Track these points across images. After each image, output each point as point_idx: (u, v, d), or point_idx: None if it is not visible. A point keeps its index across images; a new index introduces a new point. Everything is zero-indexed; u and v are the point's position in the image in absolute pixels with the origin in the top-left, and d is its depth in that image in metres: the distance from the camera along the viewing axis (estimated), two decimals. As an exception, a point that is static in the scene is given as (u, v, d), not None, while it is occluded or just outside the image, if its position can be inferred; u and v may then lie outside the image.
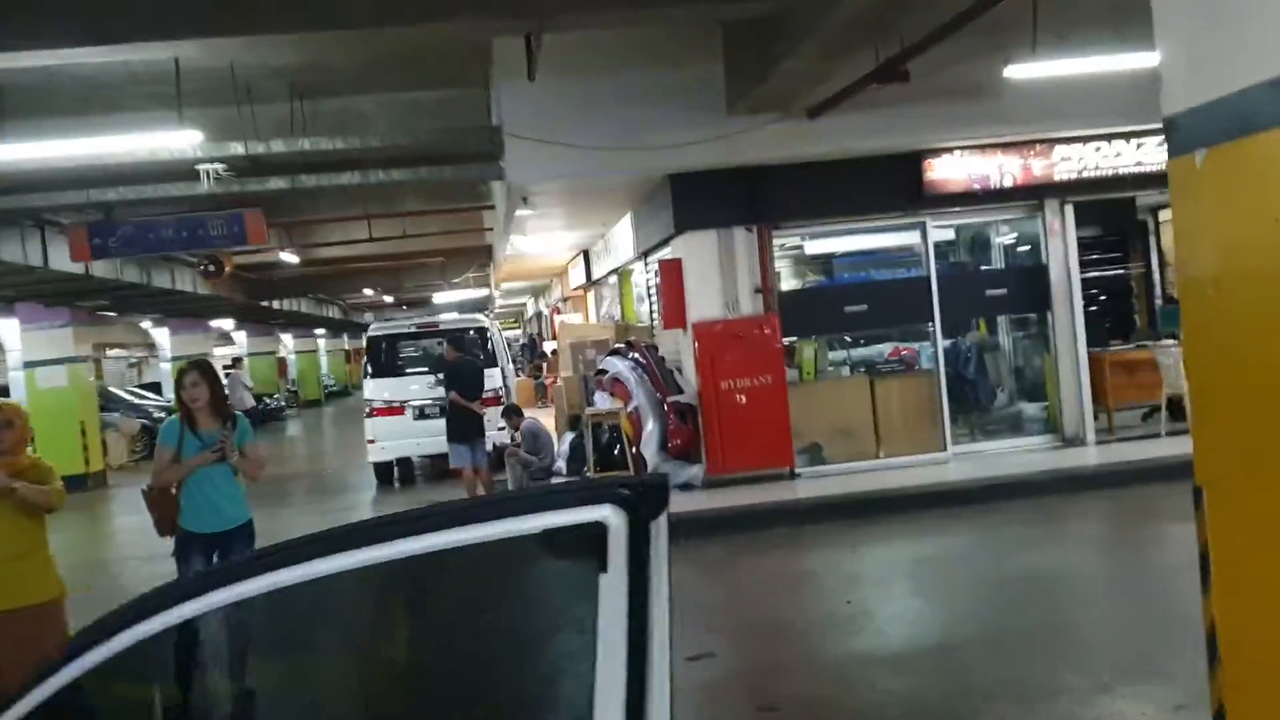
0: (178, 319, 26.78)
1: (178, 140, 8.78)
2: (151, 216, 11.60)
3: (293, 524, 14.28)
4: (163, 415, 26.09)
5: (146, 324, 28.78)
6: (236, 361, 28.34)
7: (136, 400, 26.15)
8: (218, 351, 39.98)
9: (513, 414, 13.84)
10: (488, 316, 19.51)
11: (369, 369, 15.74)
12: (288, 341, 42.44)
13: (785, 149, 10.30)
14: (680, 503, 10.77)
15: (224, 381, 23.52)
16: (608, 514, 1.78)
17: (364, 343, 16.20)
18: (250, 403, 25.38)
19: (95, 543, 13.43)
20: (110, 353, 40.19)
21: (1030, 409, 12.54)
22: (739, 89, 9.47)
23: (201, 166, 9.58)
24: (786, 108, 9.65)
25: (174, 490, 6.12)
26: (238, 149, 9.33)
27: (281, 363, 40.14)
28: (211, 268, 15.09)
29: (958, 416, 12.10)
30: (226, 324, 34.12)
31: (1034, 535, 8.86)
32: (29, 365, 19.32)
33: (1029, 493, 10.06)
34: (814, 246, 13.03)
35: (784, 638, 6.70)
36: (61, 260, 12.60)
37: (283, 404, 35.93)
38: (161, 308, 23.29)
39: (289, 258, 18.69)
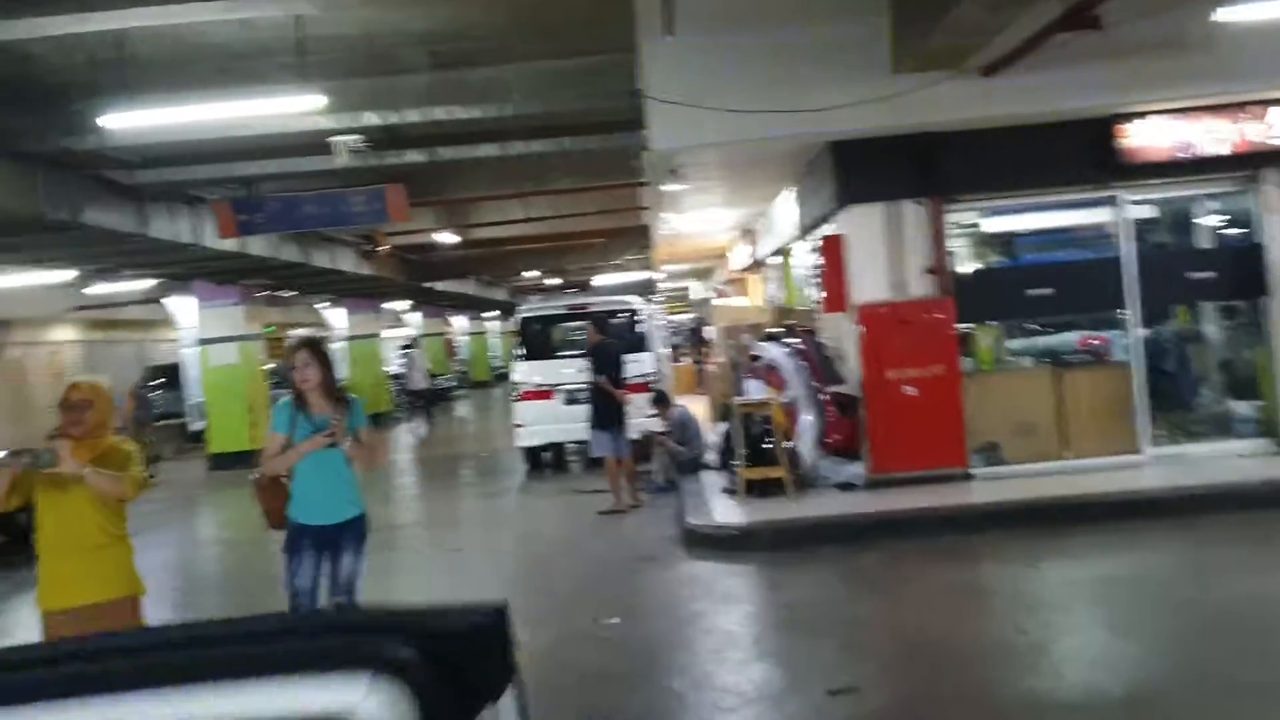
0: (351, 299, 27.19)
1: (304, 104, 8.38)
2: (294, 192, 11.38)
3: (442, 507, 14.11)
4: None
5: (322, 305, 29.35)
6: (414, 342, 28.58)
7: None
8: (390, 334, 40.97)
9: (662, 401, 13.17)
10: (648, 300, 18.93)
11: (519, 352, 15.32)
12: (459, 323, 43.02)
13: (958, 112, 9.23)
14: (838, 504, 9.86)
15: (403, 360, 23.63)
16: (357, 700, 0.90)
17: (518, 324, 15.77)
18: (424, 383, 25.51)
19: (240, 524, 13.40)
20: (291, 333, 41.61)
21: (1241, 408, 11.04)
22: (905, 44, 8.47)
23: (335, 139, 9.20)
24: (959, 64, 8.59)
25: (284, 479, 5.64)
26: (371, 119, 8.90)
27: (450, 344, 40.64)
28: (368, 247, 14.90)
29: (1155, 414, 10.72)
30: (399, 305, 34.62)
31: (1249, 557, 7.59)
32: (203, 342, 19.88)
33: (1240, 505, 8.74)
34: (993, 224, 11.82)
35: (944, 669, 5.77)
36: (214, 238, 12.56)
37: (452, 384, 36.38)
38: (327, 287, 23.58)
39: (446, 238, 18.49)
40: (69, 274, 17.12)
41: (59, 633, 4.82)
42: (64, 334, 28.54)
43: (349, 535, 5.67)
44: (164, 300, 21.76)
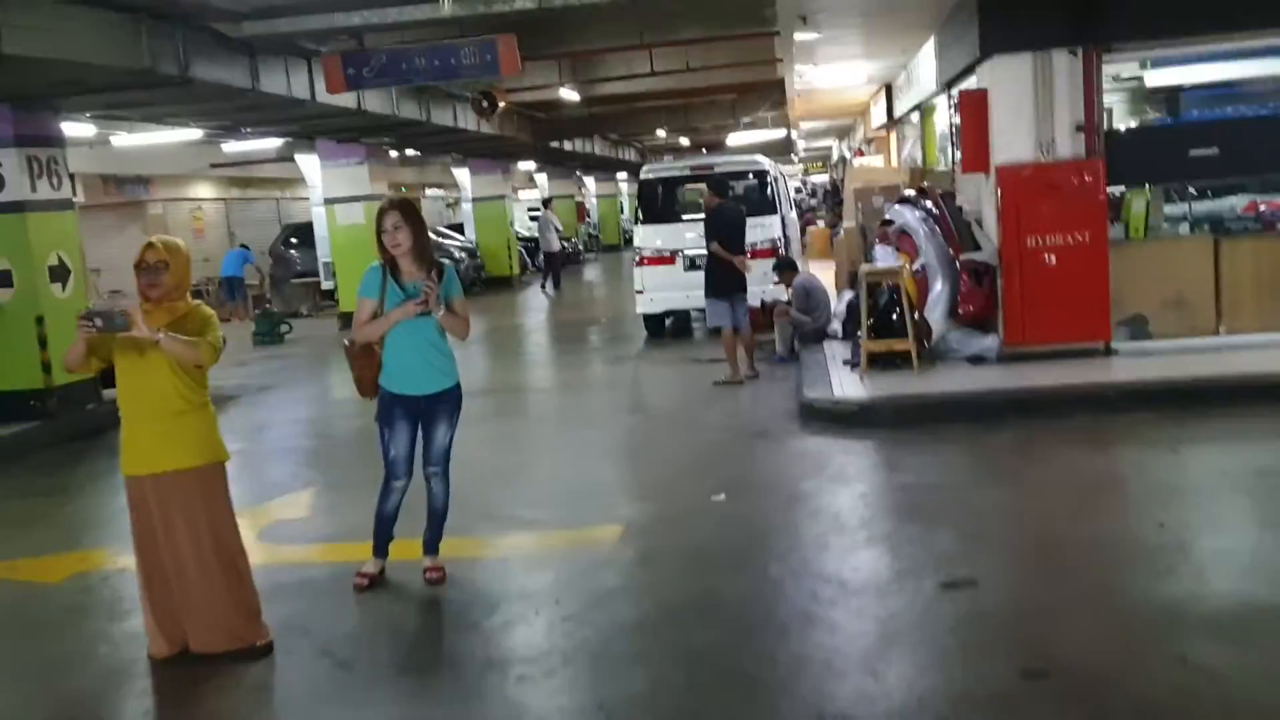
0: (477, 160, 26.95)
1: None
2: (403, 44, 10.97)
3: (559, 373, 13.95)
4: (463, 255, 26.74)
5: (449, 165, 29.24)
6: (546, 203, 28.33)
7: (439, 239, 26.76)
8: (522, 195, 40.87)
9: (785, 268, 12.61)
10: (783, 160, 18.13)
11: (640, 215, 14.86)
12: (589, 185, 42.61)
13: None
14: (967, 379, 9.27)
15: (534, 222, 23.33)
16: None
17: (639, 186, 15.26)
18: (557, 245, 25.32)
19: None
20: (428, 192, 41.96)
21: None
22: None
23: (440, -15, 8.73)
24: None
25: (377, 347, 5.39)
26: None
27: (580, 206, 40.33)
28: (485, 103, 14.46)
29: (1329, 289, 9.72)
30: (528, 166, 34.32)
31: None
32: (329, 202, 19.96)
33: None
34: (1156, 76, 10.73)
35: (1070, 568, 5.28)
36: (328, 95, 12.30)
37: (580, 248, 36.21)
38: (451, 147, 23.32)
39: (569, 95, 17.91)
40: (197, 132, 17.26)
41: (141, 499, 4.73)
42: (204, 191, 29.19)
43: (441, 407, 5.43)
44: (296, 158, 21.86)
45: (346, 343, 5.52)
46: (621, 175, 43.55)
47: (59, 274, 10.98)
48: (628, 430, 9.61)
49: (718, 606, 5.03)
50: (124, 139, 19.04)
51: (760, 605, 5.02)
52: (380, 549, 5.59)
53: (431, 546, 5.62)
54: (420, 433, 5.45)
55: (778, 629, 4.73)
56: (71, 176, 23.03)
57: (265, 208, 32.22)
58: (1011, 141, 9.61)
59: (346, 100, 13.17)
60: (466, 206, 28.76)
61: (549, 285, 24.80)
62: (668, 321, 15.28)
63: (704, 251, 11.12)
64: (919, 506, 6.44)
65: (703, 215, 13.98)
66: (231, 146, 22.24)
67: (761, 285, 12.47)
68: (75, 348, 4.55)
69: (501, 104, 14.85)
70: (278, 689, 4.64)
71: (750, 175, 14.69)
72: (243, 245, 25.44)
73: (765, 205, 14.11)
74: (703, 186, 12.15)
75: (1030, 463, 7.44)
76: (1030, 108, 9.54)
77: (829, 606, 4.94)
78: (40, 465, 9.52)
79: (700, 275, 11.37)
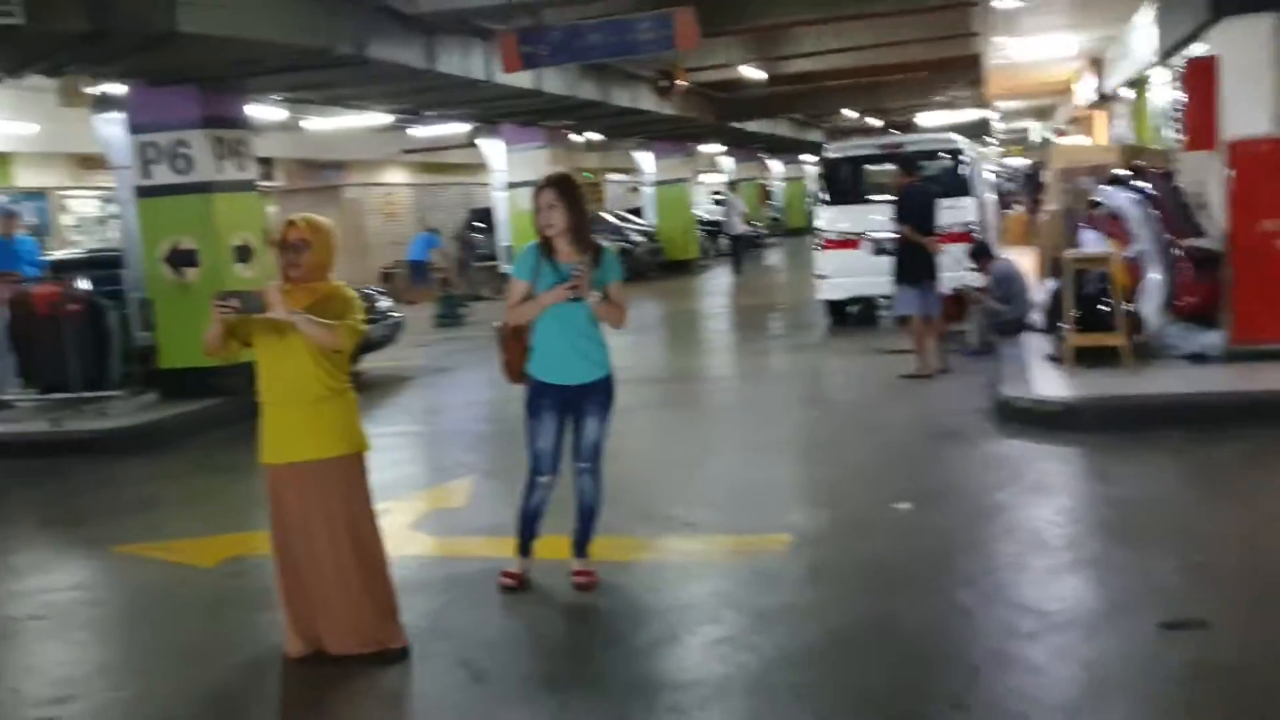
0: (659, 143, 26.63)
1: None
2: (578, 20, 10.63)
3: (736, 359, 13.47)
4: (641, 239, 26.51)
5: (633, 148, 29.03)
6: (732, 185, 27.86)
7: (618, 223, 26.62)
8: (704, 179, 40.39)
9: (982, 253, 11.72)
10: (977, 141, 17.10)
11: (823, 196, 14.16)
12: (774, 167, 41.80)
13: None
14: (1186, 379, 8.29)
15: (717, 205, 22.96)
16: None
17: (821, 166, 14.56)
18: (741, 228, 24.85)
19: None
20: (611, 177, 42.02)
21: None
22: None
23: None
24: None
25: (527, 331, 5.04)
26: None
27: (764, 189, 39.58)
28: (664, 83, 14.08)
29: None
30: (711, 149, 33.81)
31: None
32: (511, 186, 19.97)
33: None
34: None
35: (1323, 609, 4.45)
36: (505, 75, 12.11)
37: (763, 231, 35.52)
38: (632, 129, 23.00)
39: (752, 73, 17.34)
40: (385, 117, 17.48)
41: (280, 488, 4.47)
42: (395, 176, 29.89)
43: (592, 399, 5.02)
44: (480, 143, 22.01)
45: (497, 325, 5.16)
46: (807, 157, 42.55)
47: (244, 255, 11.13)
48: (804, 425, 9.02)
49: (896, 636, 4.44)
50: (315, 123, 19.59)
51: (946, 637, 4.40)
52: (525, 548, 5.22)
53: (580, 549, 5.22)
54: (570, 425, 5.06)
55: (966, 668, 4.11)
56: (270, 160, 24.28)
57: (454, 193, 32.78)
58: (1246, 114, 8.58)
59: (524, 81, 12.96)
60: (648, 190, 28.52)
61: (732, 270, 24.38)
62: (851, 309, 14.54)
63: (892, 235, 10.40)
64: (1132, 526, 5.65)
65: (891, 196, 13.29)
66: (420, 132, 22.66)
67: (954, 271, 11.62)
68: (213, 329, 4.33)
69: (682, 83, 14.43)
70: (410, 699, 4.32)
71: (943, 154, 13.78)
72: (431, 229, 25.86)
73: (959, 186, 13.18)
74: (892, 166, 11.42)
75: (1263, 479, 6.50)
76: (1270, 76, 8.48)
77: (1027, 643, 4.28)
78: (218, 442, 9.61)
79: (887, 260, 10.71)
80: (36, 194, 18.63)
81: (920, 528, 5.83)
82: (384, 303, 13.23)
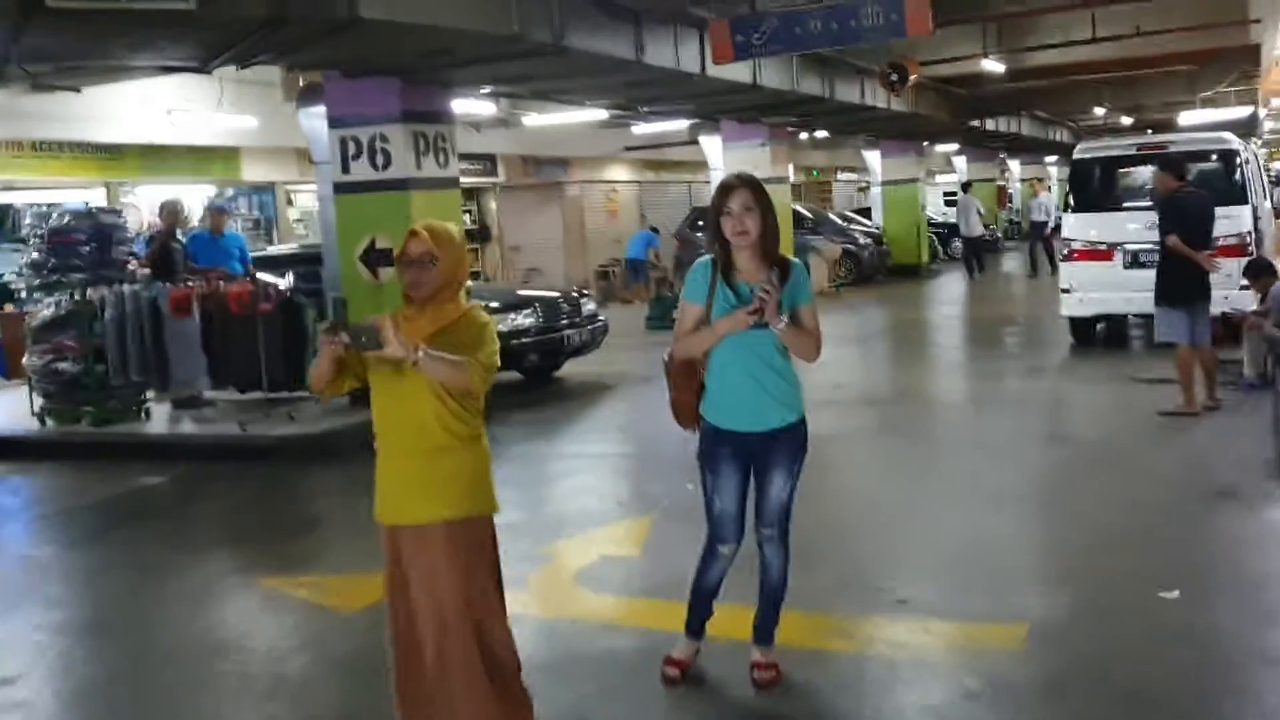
0: (890, 141, 25.28)
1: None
2: (798, 7, 9.65)
3: (960, 381, 12.06)
4: (868, 241, 25.18)
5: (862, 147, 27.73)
6: (966, 187, 26.22)
7: (843, 224, 25.44)
8: (937, 179, 38.43)
9: (1261, 271, 10.01)
10: (1251, 142, 15.10)
11: (1071, 201, 12.66)
12: (1013, 168, 39.41)
13: None
14: None
15: (953, 207, 21.40)
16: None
17: (1070, 168, 13.06)
18: (979, 231, 23.31)
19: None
20: (840, 176, 40.61)
21: None
22: None
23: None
24: None
25: (700, 366, 4.14)
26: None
27: (1002, 191, 37.30)
28: (894, 76, 12.90)
29: None
30: (945, 148, 32.04)
31: None
32: (728, 185, 19.17)
33: None
34: None
35: None
36: (719, 67, 11.26)
37: (1000, 235, 33.45)
38: (859, 126, 21.74)
39: (993, 66, 15.86)
40: (601, 113, 16.97)
41: (394, 550, 3.73)
42: (618, 174, 29.60)
43: (779, 449, 4.07)
44: (700, 140, 21.34)
45: (666, 358, 4.25)
46: (1050, 158, 39.91)
47: (441, 255, 10.73)
48: (1042, 470, 7.74)
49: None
50: (535, 119, 19.32)
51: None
52: (695, 628, 4.33)
53: (764, 634, 4.28)
54: (753, 481, 4.15)
55: None
56: (493, 157, 24.35)
57: (677, 190, 32.31)
58: None
59: (740, 74, 12.09)
60: (875, 190, 27.18)
61: (975, 271, 23.12)
62: (1098, 327, 12.97)
63: (1150, 246, 8.95)
64: None
65: (1149, 202, 11.71)
66: (642, 129, 22.18)
67: (1225, 290, 9.99)
68: (321, 364, 3.62)
69: (913, 76, 13.20)
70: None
71: (1213, 156, 12.06)
72: (651, 228, 25.41)
73: (1232, 192, 11.46)
74: (1153, 169, 9.92)
75: None
76: None
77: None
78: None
79: (1143, 274, 9.27)
80: (265, 188, 19.16)
81: (1191, 630, 4.59)
82: (588, 305, 12.69)
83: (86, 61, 8.48)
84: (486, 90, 12.31)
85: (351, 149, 10.41)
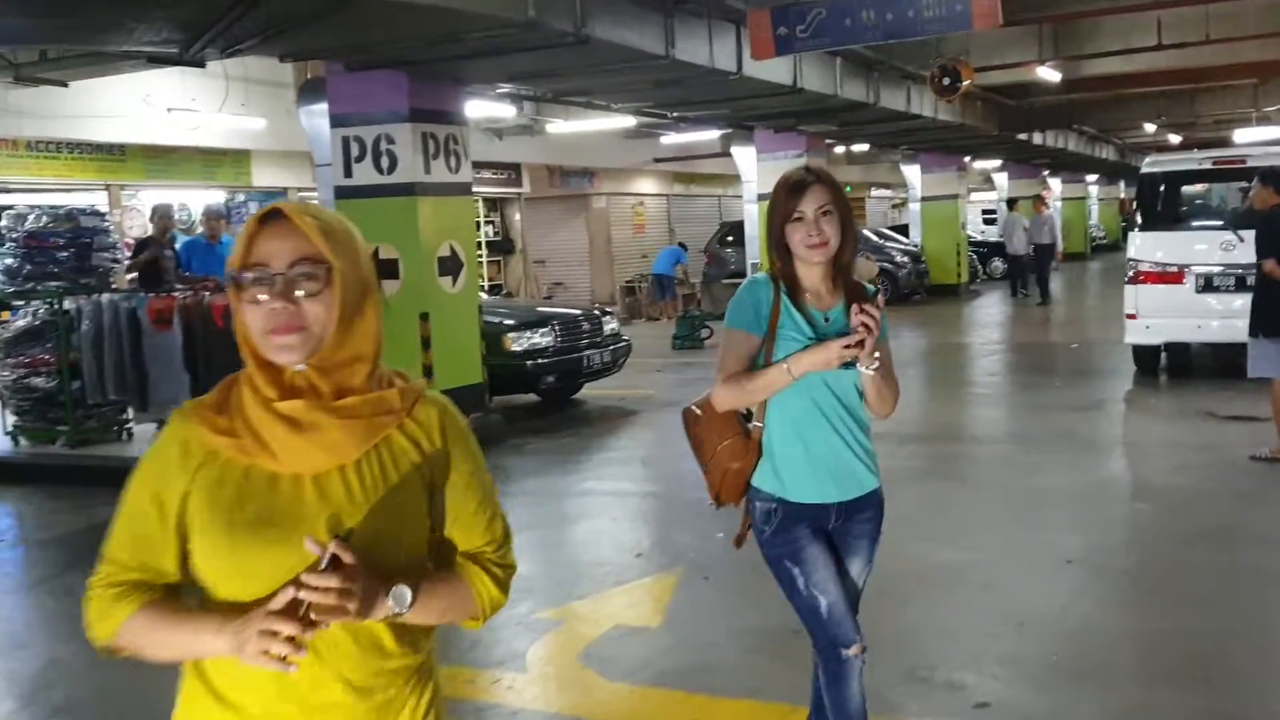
0: (930, 154, 24.29)
1: None
2: (848, -4, 8.72)
3: (1005, 416, 10.94)
4: (905, 260, 24.15)
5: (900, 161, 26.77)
6: (1011, 204, 25.19)
7: (879, 241, 24.46)
8: (976, 196, 37.36)
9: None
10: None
11: (1139, 218, 11.63)
12: (1054, 186, 38.28)
13: None
14: None
15: (1006, 222, 20.10)
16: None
17: (1137, 184, 12.06)
18: (1024, 250, 22.29)
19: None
20: (874, 193, 39.62)
21: None
22: None
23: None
24: None
25: (751, 419, 3.08)
26: None
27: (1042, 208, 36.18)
28: (946, 80, 11.94)
29: None
30: (985, 164, 30.97)
31: None
32: (762, 198, 18.34)
33: None
34: None
35: None
36: (757, 66, 10.32)
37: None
38: (900, 137, 20.74)
39: (1048, 74, 14.86)
40: (628, 120, 16.14)
41: None
42: (646, 186, 28.77)
43: (862, 524, 3.07)
44: (733, 150, 20.47)
45: (696, 410, 3.16)
46: (1091, 177, 38.77)
47: (450, 266, 9.84)
48: (1129, 528, 6.67)
49: None
50: (560, 126, 18.49)
51: None
52: None
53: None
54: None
55: None
56: (517, 166, 23.56)
57: (706, 204, 31.50)
58: None
59: (780, 74, 11.16)
60: (914, 207, 26.17)
61: (1029, 289, 22.37)
62: (1165, 356, 11.94)
63: (1223, 268, 7.94)
64: None
65: (1220, 223, 10.69)
66: (671, 139, 21.33)
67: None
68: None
69: (966, 81, 12.23)
70: None
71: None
72: (680, 244, 24.61)
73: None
74: (1232, 184, 8.95)
75: None
76: None
77: None
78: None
79: (1216, 299, 8.24)
80: (277, 194, 18.39)
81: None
82: (610, 324, 11.83)
83: (55, 44, 7.65)
84: (504, 89, 11.42)
85: (355, 150, 9.56)
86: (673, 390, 12.27)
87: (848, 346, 2.76)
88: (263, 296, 1.60)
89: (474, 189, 11.30)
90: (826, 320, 2.96)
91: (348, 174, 9.61)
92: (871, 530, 3.09)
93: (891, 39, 8.97)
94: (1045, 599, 5.26)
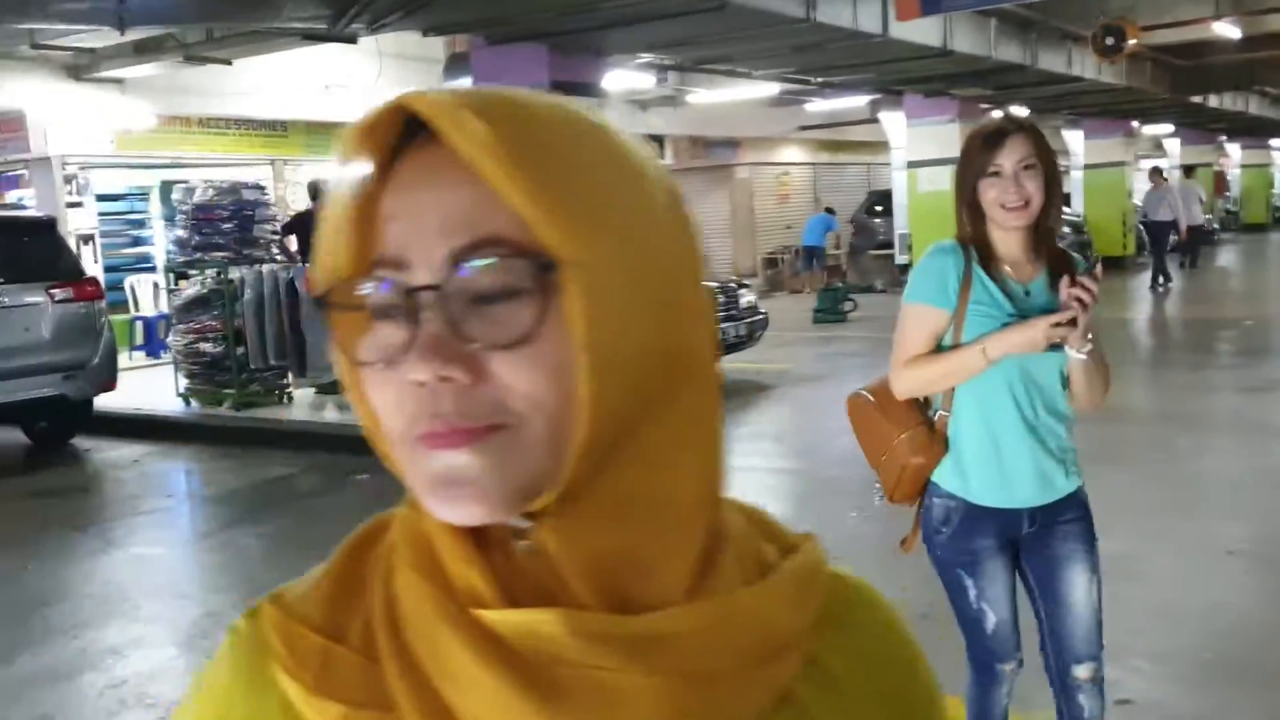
0: (1093, 120, 23.23)
1: None
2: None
3: (1170, 398, 10.37)
4: (1067, 231, 23.20)
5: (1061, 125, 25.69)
6: (1189, 171, 23.97)
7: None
8: (1145, 163, 35.60)
9: None
10: None
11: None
12: (1233, 152, 36.18)
13: None
14: None
15: (1179, 190, 19.06)
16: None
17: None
18: (1200, 220, 21.19)
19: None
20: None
21: None
22: None
23: None
24: None
25: (937, 406, 2.72)
26: None
27: (1220, 178, 34.27)
28: (1110, 40, 11.37)
29: None
30: (1155, 130, 29.44)
31: None
32: (912, 165, 17.90)
33: None
34: None
35: None
36: (905, 27, 10.00)
37: (1215, 226, 30.71)
38: (1059, 102, 19.84)
39: (1226, 31, 13.98)
40: (772, 88, 15.92)
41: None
42: (791, 155, 28.38)
43: (1067, 530, 2.73)
44: (881, 117, 20.01)
45: (867, 395, 2.80)
46: (1275, 142, 36.48)
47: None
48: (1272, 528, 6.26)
49: None
50: (703, 96, 18.37)
51: None
52: None
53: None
54: (1022, 580, 2.80)
55: None
56: (660, 138, 23.49)
57: (854, 173, 30.88)
58: None
59: (929, 36, 10.80)
60: (1076, 175, 25.11)
61: (1177, 271, 21.27)
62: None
63: None
64: None
65: None
66: (817, 106, 20.95)
67: None
68: None
69: (1131, 41, 11.62)
70: None
71: None
72: (828, 210, 24.10)
73: None
74: None
75: None
76: None
77: None
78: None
79: None
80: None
81: None
82: (747, 296, 11.69)
83: (211, 22, 7.96)
84: (644, 58, 11.37)
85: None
86: (811, 364, 12.10)
87: (1056, 325, 2.47)
88: (394, 340, 0.59)
89: (616, 162, 11.30)
90: (1027, 294, 2.58)
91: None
92: (1080, 533, 2.74)
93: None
94: (1201, 591, 4.97)
